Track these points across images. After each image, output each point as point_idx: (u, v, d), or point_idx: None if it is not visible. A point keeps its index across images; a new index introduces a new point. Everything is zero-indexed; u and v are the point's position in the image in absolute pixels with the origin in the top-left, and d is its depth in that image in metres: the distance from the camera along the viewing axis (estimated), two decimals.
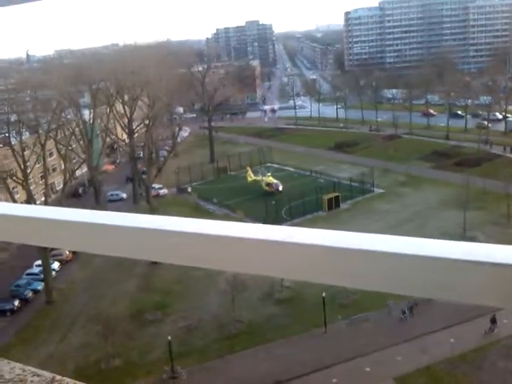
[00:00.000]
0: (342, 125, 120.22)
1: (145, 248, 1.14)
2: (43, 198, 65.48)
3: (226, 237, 1.03)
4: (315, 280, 0.96)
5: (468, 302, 0.85)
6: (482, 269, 0.82)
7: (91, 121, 78.18)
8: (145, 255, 1.17)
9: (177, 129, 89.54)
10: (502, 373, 36.52)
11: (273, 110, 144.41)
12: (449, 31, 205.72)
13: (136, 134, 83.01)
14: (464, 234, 55.54)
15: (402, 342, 40.82)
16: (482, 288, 0.83)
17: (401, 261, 0.88)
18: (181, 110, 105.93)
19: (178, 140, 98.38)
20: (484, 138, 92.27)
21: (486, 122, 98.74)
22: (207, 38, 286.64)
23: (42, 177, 67.50)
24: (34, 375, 1.90)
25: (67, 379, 1.84)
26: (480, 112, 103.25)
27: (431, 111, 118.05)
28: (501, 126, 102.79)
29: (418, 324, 42.35)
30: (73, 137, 74.76)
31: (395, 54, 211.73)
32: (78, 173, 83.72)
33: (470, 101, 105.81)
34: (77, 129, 75.81)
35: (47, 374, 1.89)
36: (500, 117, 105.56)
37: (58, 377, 1.86)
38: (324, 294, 43.42)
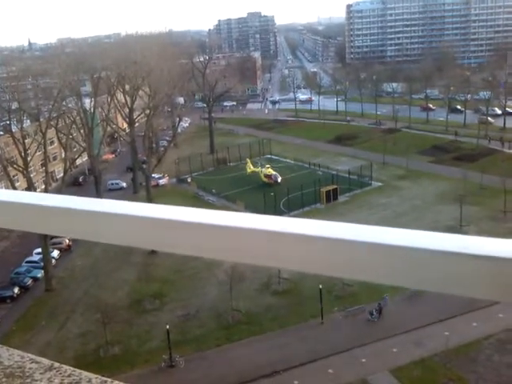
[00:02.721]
0: (348, 118, 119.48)
1: (144, 236, 1.14)
2: (43, 186, 65.78)
3: (225, 226, 1.03)
4: (311, 271, 0.96)
5: (464, 295, 0.84)
6: (478, 262, 0.82)
7: (92, 110, 78.15)
8: (144, 244, 1.17)
9: (177, 119, 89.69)
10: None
11: (309, 100, 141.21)
12: (450, 26, 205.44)
13: (137, 124, 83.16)
14: (460, 229, 55.95)
15: (397, 334, 41.31)
16: (478, 281, 0.82)
17: (398, 253, 0.88)
18: (181, 100, 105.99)
19: (179, 130, 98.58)
20: (483, 132, 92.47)
21: (488, 118, 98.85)
22: (209, 29, 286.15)
23: (42, 165, 67.71)
24: (32, 362, 1.92)
25: (66, 366, 1.86)
26: (480, 107, 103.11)
27: (430, 105, 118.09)
28: (500, 121, 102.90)
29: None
30: (73, 125, 74.80)
31: (396, 48, 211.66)
32: (78, 161, 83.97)
33: (469, 95, 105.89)
34: (78, 117, 75.81)
35: (46, 361, 1.92)
36: (499, 112, 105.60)
37: (57, 364, 1.89)
38: (321, 286, 43.84)
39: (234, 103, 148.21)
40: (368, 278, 0.91)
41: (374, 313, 43.49)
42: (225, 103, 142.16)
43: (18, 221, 1.36)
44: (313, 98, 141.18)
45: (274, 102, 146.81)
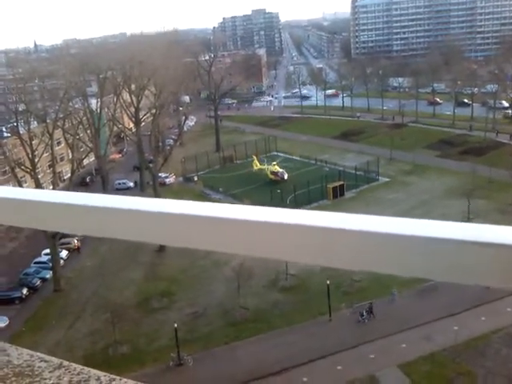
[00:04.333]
0: (358, 114, 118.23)
1: (153, 232, 1.14)
2: (51, 187, 65.96)
3: (231, 219, 1.03)
4: (322, 263, 0.96)
5: (475, 284, 0.84)
6: (489, 250, 0.81)
7: (98, 110, 78.47)
8: (153, 239, 1.16)
9: (183, 118, 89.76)
10: None
11: (335, 94, 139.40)
12: (456, 19, 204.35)
13: (143, 123, 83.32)
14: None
15: (406, 329, 41.21)
16: (489, 270, 0.82)
17: (407, 242, 0.87)
18: (187, 98, 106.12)
19: (185, 129, 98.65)
20: (490, 126, 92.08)
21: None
22: (214, 27, 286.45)
23: (49, 166, 68.01)
24: (41, 361, 1.94)
25: (75, 365, 1.88)
26: (488, 100, 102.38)
27: (437, 99, 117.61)
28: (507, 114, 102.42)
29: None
30: (80, 126, 75.07)
31: (402, 42, 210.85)
32: (85, 162, 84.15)
33: (476, 89, 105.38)
34: (84, 118, 76.11)
35: (55, 360, 1.93)
36: (506, 105, 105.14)
37: (66, 362, 1.90)
38: (328, 282, 43.76)
39: (271, 98, 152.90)
40: (381, 269, 0.91)
41: (365, 314, 43.10)
42: (263, 98, 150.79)
43: (27, 218, 1.36)
44: (339, 92, 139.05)
45: (304, 97, 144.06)
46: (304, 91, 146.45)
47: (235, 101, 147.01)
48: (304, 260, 0.97)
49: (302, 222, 0.96)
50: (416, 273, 0.88)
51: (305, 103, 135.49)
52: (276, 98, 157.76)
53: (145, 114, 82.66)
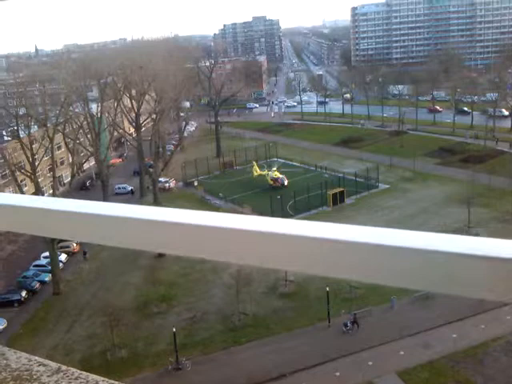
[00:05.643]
0: (362, 121, 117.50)
1: (150, 239, 1.14)
2: (51, 191, 66.02)
3: (228, 229, 1.03)
4: (317, 272, 0.97)
5: (466, 296, 0.84)
6: (483, 263, 0.81)
7: (99, 115, 78.42)
8: (150, 246, 1.17)
9: (183, 123, 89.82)
10: None
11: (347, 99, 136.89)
12: (456, 27, 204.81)
13: (143, 128, 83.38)
14: (468, 231, 55.68)
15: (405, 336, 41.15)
16: (481, 282, 0.82)
17: (400, 254, 0.87)
18: (188, 104, 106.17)
19: (185, 134, 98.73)
20: (490, 134, 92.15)
21: None
22: (214, 34, 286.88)
23: (50, 170, 68.02)
24: (39, 365, 1.93)
25: (73, 369, 1.87)
26: (487, 109, 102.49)
27: (437, 107, 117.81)
28: (507, 123, 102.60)
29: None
30: (81, 130, 75.07)
31: (402, 50, 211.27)
32: (85, 166, 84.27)
33: (476, 97, 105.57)
34: (85, 122, 76.08)
35: (53, 364, 1.93)
36: (506, 113, 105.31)
37: (64, 367, 1.90)
38: (328, 289, 43.72)
39: (280, 103, 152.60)
40: (376, 279, 0.91)
41: (349, 324, 42.89)
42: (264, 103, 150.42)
43: (26, 225, 1.38)
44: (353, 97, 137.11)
45: (321, 103, 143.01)
46: (304, 98, 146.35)
47: (257, 105, 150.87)
48: (301, 270, 0.98)
49: (297, 232, 0.96)
50: (411, 284, 0.88)
51: (304, 109, 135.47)
52: (276, 104, 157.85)
53: (145, 119, 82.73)
